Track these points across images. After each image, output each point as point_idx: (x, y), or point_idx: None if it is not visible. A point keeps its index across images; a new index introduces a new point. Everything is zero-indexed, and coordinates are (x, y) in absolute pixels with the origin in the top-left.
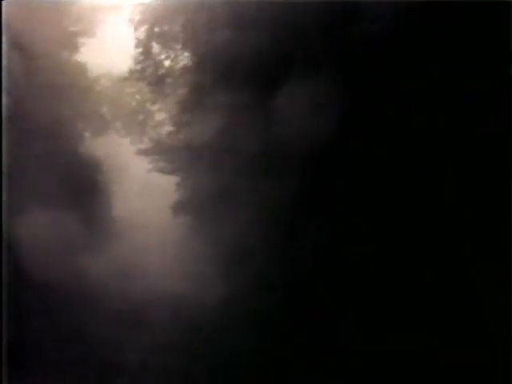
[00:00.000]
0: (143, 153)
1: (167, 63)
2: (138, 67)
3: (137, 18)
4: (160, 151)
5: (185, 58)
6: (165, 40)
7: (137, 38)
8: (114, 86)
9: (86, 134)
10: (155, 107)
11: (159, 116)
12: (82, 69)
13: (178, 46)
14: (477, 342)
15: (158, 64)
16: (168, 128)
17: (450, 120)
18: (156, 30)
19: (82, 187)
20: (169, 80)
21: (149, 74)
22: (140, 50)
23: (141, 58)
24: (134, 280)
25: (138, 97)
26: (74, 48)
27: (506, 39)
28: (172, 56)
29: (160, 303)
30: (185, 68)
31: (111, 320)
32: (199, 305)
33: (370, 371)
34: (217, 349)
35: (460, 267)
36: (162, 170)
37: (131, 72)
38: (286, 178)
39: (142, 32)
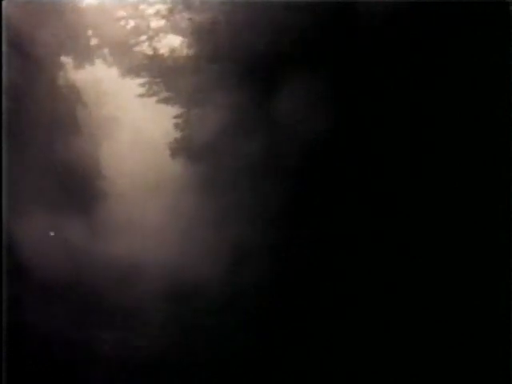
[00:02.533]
0: (134, 72)
1: None
2: None
3: None
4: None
5: None
6: None
7: None
8: None
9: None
10: (151, 9)
11: (157, 22)
12: None
13: None
14: (474, 341)
15: None
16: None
17: (449, 120)
18: None
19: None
20: None
21: None
22: None
23: None
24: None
25: None
26: None
27: (505, 39)
28: None
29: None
30: None
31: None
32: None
33: (366, 372)
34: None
35: (456, 266)
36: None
37: None
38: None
39: None
